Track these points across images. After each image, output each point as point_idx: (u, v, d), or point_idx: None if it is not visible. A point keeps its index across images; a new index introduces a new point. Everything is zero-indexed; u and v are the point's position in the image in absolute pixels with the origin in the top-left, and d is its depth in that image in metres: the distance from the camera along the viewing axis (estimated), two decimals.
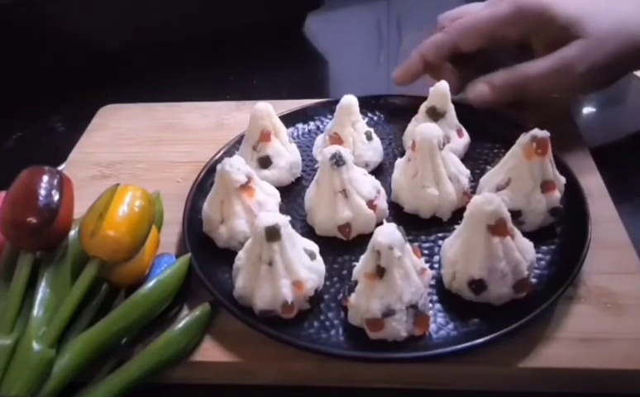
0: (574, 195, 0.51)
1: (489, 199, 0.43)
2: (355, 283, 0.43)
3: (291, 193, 0.57)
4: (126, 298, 0.43)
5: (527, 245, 0.45)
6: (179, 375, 0.44)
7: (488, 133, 0.60)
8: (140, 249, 0.45)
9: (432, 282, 0.47)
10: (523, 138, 0.49)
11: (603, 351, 0.42)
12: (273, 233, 0.43)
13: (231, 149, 0.60)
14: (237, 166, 0.50)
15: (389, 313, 0.41)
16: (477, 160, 0.59)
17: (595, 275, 0.47)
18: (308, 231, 0.52)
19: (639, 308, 0.44)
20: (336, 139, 0.57)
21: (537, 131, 0.49)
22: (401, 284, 0.41)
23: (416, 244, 0.50)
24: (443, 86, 0.57)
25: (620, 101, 0.76)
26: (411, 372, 0.43)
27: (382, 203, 0.52)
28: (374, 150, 0.58)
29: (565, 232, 0.50)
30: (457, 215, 0.51)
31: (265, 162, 0.57)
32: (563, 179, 0.51)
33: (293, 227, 0.46)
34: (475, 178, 0.55)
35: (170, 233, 0.53)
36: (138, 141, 0.67)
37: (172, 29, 0.88)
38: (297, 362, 0.43)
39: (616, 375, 0.41)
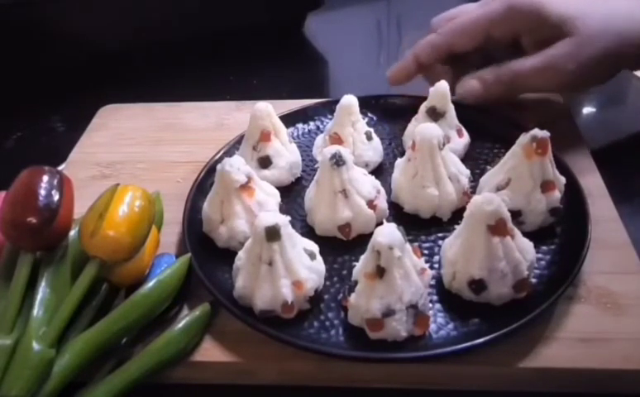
0: (574, 195, 0.51)
1: (489, 199, 0.43)
2: (355, 283, 0.43)
3: (291, 193, 0.57)
4: (126, 298, 0.43)
5: (527, 245, 0.45)
6: (179, 375, 0.44)
7: (488, 133, 0.60)
8: (140, 249, 0.45)
9: (432, 282, 0.47)
10: (523, 138, 0.49)
11: (603, 351, 0.42)
12: (273, 233, 0.43)
13: (231, 149, 0.60)
14: (237, 166, 0.50)
15: (389, 313, 0.41)
16: (477, 160, 0.59)
17: (595, 275, 0.47)
18: (308, 232, 0.52)
19: (639, 308, 0.44)
20: (336, 139, 0.57)
21: (537, 131, 0.49)
22: (401, 284, 0.41)
23: (416, 244, 0.50)
24: (443, 86, 0.57)
25: (620, 101, 0.76)
26: (411, 372, 0.43)
27: (382, 203, 0.52)
28: (374, 150, 0.58)
29: (565, 232, 0.50)
30: (457, 215, 0.51)
31: (265, 162, 0.57)
32: (563, 179, 0.51)
33: (293, 227, 0.46)
34: (475, 178, 0.55)
35: (170, 233, 0.53)
36: (138, 141, 0.67)
37: (172, 29, 0.88)
38: (297, 362, 0.43)
39: (616, 375, 0.41)
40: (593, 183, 0.55)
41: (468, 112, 0.60)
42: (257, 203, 0.51)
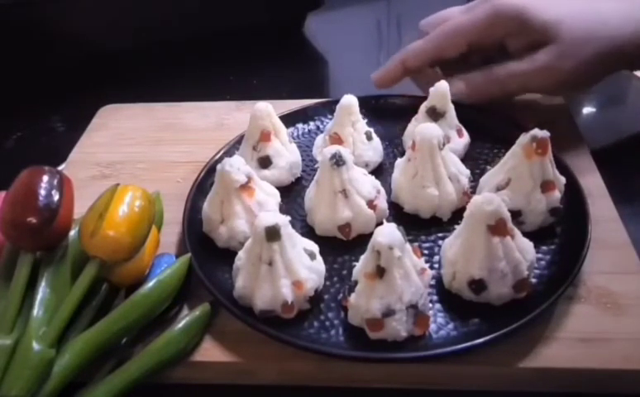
0: (574, 195, 0.51)
1: (489, 199, 0.43)
2: (355, 283, 0.43)
3: (291, 193, 0.57)
4: (126, 298, 0.43)
5: (527, 245, 0.45)
6: (179, 375, 0.44)
7: (488, 133, 0.60)
8: (140, 249, 0.45)
9: (432, 282, 0.47)
10: (523, 138, 0.49)
11: (603, 351, 0.42)
12: (273, 233, 0.43)
13: (231, 149, 0.60)
14: (237, 166, 0.50)
15: (389, 313, 0.41)
16: (477, 160, 0.59)
17: (595, 275, 0.47)
18: (308, 232, 0.52)
19: (639, 308, 0.44)
20: (336, 139, 0.57)
21: (537, 131, 0.49)
22: (401, 284, 0.41)
23: (416, 244, 0.50)
24: (443, 86, 0.57)
25: (620, 101, 0.76)
26: (411, 372, 0.43)
27: (382, 203, 0.52)
28: (374, 150, 0.58)
29: (565, 232, 0.50)
30: (457, 215, 0.51)
31: (265, 162, 0.57)
32: (563, 179, 0.51)
33: (293, 227, 0.46)
34: (475, 178, 0.55)
35: (170, 233, 0.53)
36: (138, 141, 0.67)
37: (172, 29, 0.88)
38: (297, 362, 0.43)
39: (616, 375, 0.41)
40: (593, 183, 0.55)
41: (468, 112, 0.60)
42: (257, 203, 0.51)
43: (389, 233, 0.41)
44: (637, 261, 0.48)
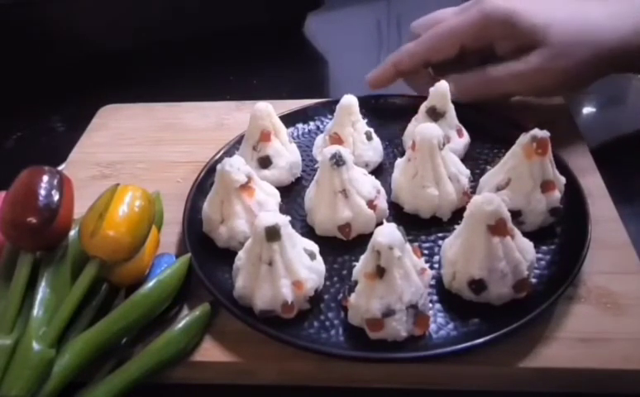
0: (574, 195, 0.51)
1: (489, 199, 0.43)
2: (355, 283, 0.43)
3: (291, 193, 0.57)
4: (126, 298, 0.43)
5: (527, 245, 0.45)
6: (179, 375, 0.44)
7: (488, 133, 0.60)
8: (140, 249, 0.45)
9: (432, 282, 0.47)
10: (523, 138, 0.49)
11: (603, 351, 0.42)
12: (273, 233, 0.43)
13: (231, 149, 0.59)
14: (237, 166, 0.50)
15: (389, 313, 0.41)
16: (477, 160, 0.59)
17: (595, 275, 0.47)
18: (308, 232, 0.52)
19: (639, 308, 0.44)
20: (336, 139, 0.57)
21: (537, 131, 0.49)
22: (401, 284, 0.41)
23: (416, 244, 0.50)
24: (443, 86, 0.57)
25: (620, 101, 0.76)
26: (411, 372, 0.43)
27: (382, 203, 0.52)
28: (374, 150, 0.58)
29: (565, 232, 0.50)
30: (457, 215, 0.51)
31: (265, 162, 0.57)
32: (563, 179, 0.51)
33: (293, 227, 0.46)
34: (475, 178, 0.55)
35: (170, 233, 0.53)
36: (138, 141, 0.67)
37: (172, 29, 0.88)
38: (297, 362, 0.43)
39: (616, 375, 0.41)
40: (593, 183, 0.55)
41: (468, 112, 0.60)
42: (257, 203, 0.51)
43: (389, 233, 0.41)
44: (637, 261, 0.48)
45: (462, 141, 0.59)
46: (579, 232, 0.48)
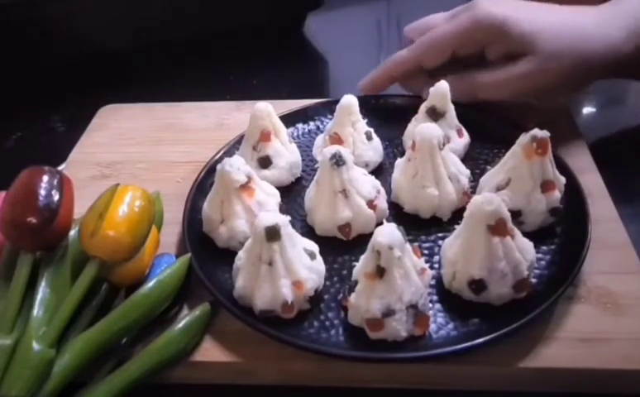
0: (574, 195, 0.51)
1: (489, 199, 0.43)
2: (355, 283, 0.43)
3: (291, 193, 0.57)
4: (126, 298, 0.43)
5: (527, 245, 0.45)
6: (179, 375, 0.44)
7: (488, 133, 0.60)
8: (140, 249, 0.45)
9: (432, 282, 0.47)
10: (523, 138, 0.49)
11: (603, 351, 0.42)
12: (273, 233, 0.43)
13: (231, 149, 0.59)
14: (237, 166, 0.50)
15: (389, 313, 0.41)
16: (477, 160, 0.59)
17: (595, 275, 0.47)
18: (308, 232, 0.52)
19: (639, 308, 0.44)
20: (336, 139, 0.57)
21: (537, 131, 0.49)
22: (401, 284, 0.41)
23: (416, 244, 0.50)
24: (443, 86, 0.57)
25: (620, 101, 0.76)
26: (411, 372, 0.43)
27: (382, 203, 0.52)
28: (374, 150, 0.58)
29: (565, 232, 0.50)
30: (457, 215, 0.51)
31: (265, 162, 0.57)
32: (563, 179, 0.51)
33: (293, 227, 0.46)
34: (475, 178, 0.55)
35: (170, 233, 0.53)
36: (138, 141, 0.67)
37: (172, 29, 0.88)
38: (297, 362, 0.43)
39: (616, 375, 0.41)
40: (593, 183, 0.55)
41: (468, 112, 0.60)
42: (257, 203, 0.51)
43: (389, 233, 0.41)
44: (637, 261, 0.48)
45: (462, 141, 0.59)
46: (579, 232, 0.48)
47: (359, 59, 0.90)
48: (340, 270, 0.49)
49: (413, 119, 0.59)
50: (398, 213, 0.53)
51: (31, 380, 0.38)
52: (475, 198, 0.44)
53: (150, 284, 0.44)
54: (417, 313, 0.42)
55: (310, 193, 0.53)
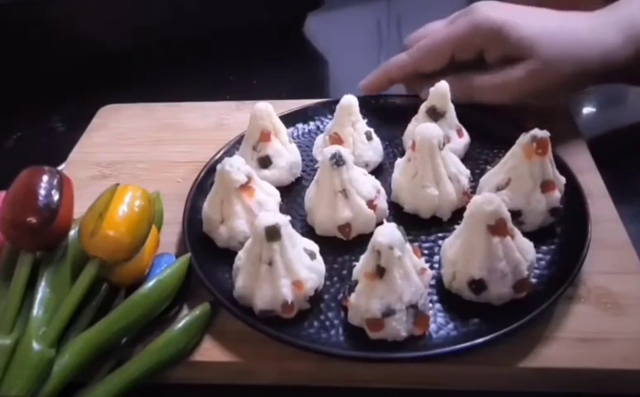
0: (574, 195, 0.51)
1: (489, 199, 0.43)
2: (355, 283, 0.43)
3: (291, 193, 0.57)
4: (126, 298, 0.43)
5: (527, 245, 0.45)
6: (179, 375, 0.44)
7: (488, 133, 0.60)
8: (140, 249, 0.45)
9: (432, 282, 0.47)
10: (523, 138, 0.49)
11: (603, 351, 0.42)
12: (273, 233, 0.43)
13: (231, 149, 0.59)
14: (237, 166, 0.50)
15: (389, 312, 0.41)
16: (477, 160, 0.59)
17: (595, 275, 0.47)
18: (308, 231, 0.52)
19: (639, 308, 0.44)
20: (336, 139, 0.57)
21: (537, 131, 0.49)
22: (401, 284, 0.41)
23: (416, 244, 0.50)
24: (443, 86, 0.57)
25: (620, 101, 0.76)
26: (411, 372, 0.43)
27: (382, 203, 0.52)
28: (374, 150, 0.58)
29: (565, 232, 0.50)
30: (457, 215, 0.51)
31: (265, 162, 0.57)
32: (563, 179, 0.51)
33: (293, 226, 0.46)
34: (475, 178, 0.55)
35: (170, 233, 0.53)
36: (138, 141, 0.67)
37: (172, 29, 0.88)
38: (297, 362, 0.43)
39: (616, 375, 0.41)
40: (593, 183, 0.55)
41: (468, 112, 0.60)
42: (257, 202, 0.51)
43: (389, 233, 0.41)
44: (637, 261, 0.48)
45: (462, 141, 0.59)
46: (579, 232, 0.48)
47: (359, 59, 0.90)
48: (340, 270, 0.49)
49: (413, 119, 0.60)
50: (398, 213, 0.53)
51: (31, 380, 0.38)
52: (475, 198, 0.44)
53: (150, 284, 0.44)
54: (417, 313, 0.42)
55: (310, 193, 0.53)
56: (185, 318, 0.43)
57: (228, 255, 0.49)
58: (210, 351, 0.44)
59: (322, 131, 0.62)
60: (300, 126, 0.65)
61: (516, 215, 0.49)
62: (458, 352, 0.41)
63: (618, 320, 0.44)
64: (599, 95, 0.73)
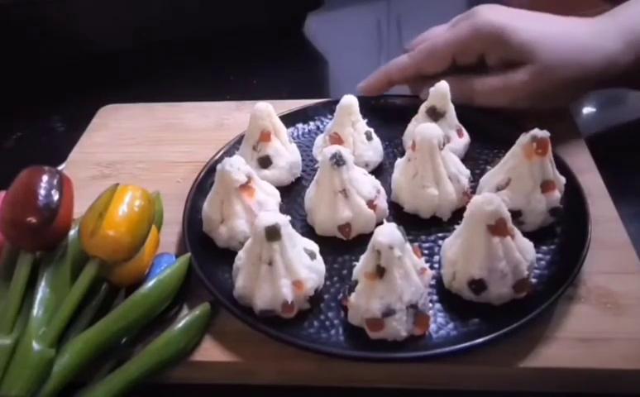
0: (574, 195, 0.51)
1: (489, 199, 0.43)
2: (356, 283, 0.43)
3: (291, 193, 0.57)
4: (126, 298, 0.43)
5: (527, 245, 0.45)
6: (179, 375, 0.44)
7: (488, 133, 0.60)
8: (140, 249, 0.45)
9: (432, 282, 0.47)
10: (523, 138, 0.49)
11: (603, 351, 0.42)
12: (273, 233, 0.43)
13: (231, 149, 0.59)
14: (237, 166, 0.50)
15: (389, 312, 0.41)
16: (477, 160, 0.59)
17: (595, 275, 0.47)
18: (308, 231, 0.52)
19: (639, 308, 0.44)
20: (336, 139, 0.57)
21: (537, 131, 0.49)
22: (401, 283, 0.41)
23: (416, 244, 0.50)
24: (443, 86, 0.57)
25: (620, 101, 0.76)
26: (411, 372, 0.43)
27: (382, 203, 0.52)
28: (374, 150, 0.58)
29: (565, 232, 0.50)
30: (457, 215, 0.51)
31: (265, 162, 0.57)
32: (563, 179, 0.51)
33: (293, 226, 0.46)
34: (475, 178, 0.55)
35: (170, 233, 0.53)
36: (138, 141, 0.67)
37: (172, 29, 0.88)
38: (297, 362, 0.43)
39: (616, 375, 0.41)
40: (593, 183, 0.55)
41: (468, 113, 0.60)
42: (257, 202, 0.51)
43: (389, 233, 0.41)
44: (637, 261, 0.48)
45: (462, 141, 0.59)
46: (579, 232, 0.48)
47: (359, 59, 0.90)
48: (340, 270, 0.49)
49: (413, 119, 0.60)
50: (398, 213, 0.53)
51: (31, 380, 0.38)
52: (475, 198, 0.44)
53: (150, 283, 0.44)
54: (417, 313, 0.42)
55: (310, 193, 0.53)
56: (185, 318, 0.43)
57: (228, 255, 0.49)
58: (210, 351, 0.44)
59: (322, 131, 0.62)
60: (300, 126, 0.65)
61: (516, 215, 0.49)
62: (458, 352, 0.41)
63: (618, 320, 0.44)
64: (598, 95, 0.73)
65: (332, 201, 0.50)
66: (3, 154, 0.72)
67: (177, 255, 0.50)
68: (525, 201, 0.49)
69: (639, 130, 0.69)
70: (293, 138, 0.62)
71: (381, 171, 0.59)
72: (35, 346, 0.39)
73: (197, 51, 0.89)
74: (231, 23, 0.90)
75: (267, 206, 0.51)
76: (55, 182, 0.45)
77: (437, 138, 0.51)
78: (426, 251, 0.50)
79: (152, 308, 0.44)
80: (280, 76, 0.85)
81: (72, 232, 0.46)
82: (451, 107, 0.58)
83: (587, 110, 0.73)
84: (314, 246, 0.47)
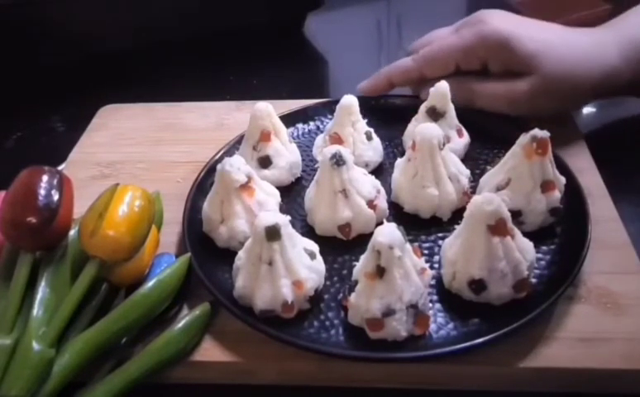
0: (574, 195, 0.51)
1: (489, 199, 0.43)
2: (356, 283, 0.43)
3: (291, 193, 0.57)
4: (126, 298, 0.43)
5: (527, 245, 0.45)
6: (179, 375, 0.44)
7: (488, 133, 0.60)
8: (140, 249, 0.45)
9: (432, 282, 0.47)
10: (523, 138, 0.49)
11: (603, 351, 0.42)
12: (273, 233, 0.43)
13: (231, 149, 0.60)
14: (237, 166, 0.50)
15: (389, 312, 0.41)
16: (477, 160, 0.59)
17: (595, 275, 0.47)
18: (308, 231, 0.52)
19: (639, 308, 0.44)
20: (336, 139, 0.57)
21: (537, 131, 0.49)
22: (401, 283, 0.41)
23: (416, 244, 0.50)
24: (443, 86, 0.57)
25: (620, 101, 0.76)
26: (411, 372, 0.43)
27: (382, 203, 0.52)
28: (374, 150, 0.58)
29: (565, 232, 0.50)
30: (457, 215, 0.51)
31: (265, 162, 0.57)
32: (563, 179, 0.51)
33: (293, 226, 0.46)
34: (475, 178, 0.55)
35: (170, 233, 0.53)
36: (138, 141, 0.67)
37: (172, 29, 0.88)
38: (297, 362, 0.43)
39: (616, 375, 0.41)
40: (593, 183, 0.55)
41: (468, 113, 0.60)
42: (257, 202, 0.51)
43: (389, 233, 0.41)
44: (637, 261, 0.48)
45: (462, 141, 0.59)
46: (579, 232, 0.48)
47: (359, 59, 0.90)
48: (340, 270, 0.49)
49: (413, 119, 0.60)
50: (398, 213, 0.53)
51: (31, 380, 0.38)
52: (475, 198, 0.44)
53: (150, 283, 0.44)
54: (417, 313, 0.42)
55: (310, 193, 0.53)
56: (185, 318, 0.43)
57: (228, 255, 0.49)
58: (210, 351, 0.44)
59: (322, 131, 0.62)
60: (300, 126, 0.65)
61: (516, 215, 0.49)
62: (458, 352, 0.41)
63: (618, 320, 0.44)
64: None
65: (332, 201, 0.50)
66: (3, 154, 0.72)
67: (177, 255, 0.50)
68: (525, 201, 0.49)
69: (639, 130, 0.69)
70: (293, 138, 0.62)
71: (381, 171, 0.59)
72: (35, 346, 0.39)
73: (197, 51, 0.89)
74: (231, 23, 0.90)
75: (267, 206, 0.51)
76: (55, 182, 0.45)
77: (437, 138, 0.51)
78: (426, 251, 0.50)
79: (152, 308, 0.44)
80: (280, 76, 0.85)
81: (72, 232, 0.46)
82: (451, 107, 0.58)
83: (587, 110, 0.73)
84: (314, 246, 0.47)
